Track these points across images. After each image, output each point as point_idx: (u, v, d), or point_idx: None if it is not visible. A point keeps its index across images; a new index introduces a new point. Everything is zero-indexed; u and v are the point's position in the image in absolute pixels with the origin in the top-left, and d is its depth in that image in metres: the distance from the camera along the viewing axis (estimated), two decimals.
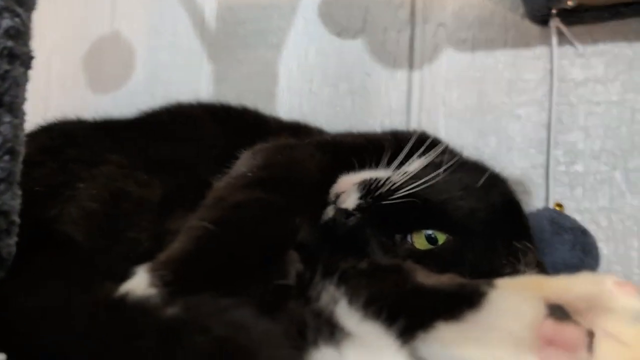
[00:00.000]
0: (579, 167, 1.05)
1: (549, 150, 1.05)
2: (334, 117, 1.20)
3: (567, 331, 0.40)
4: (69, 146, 0.65)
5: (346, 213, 0.62)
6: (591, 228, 1.01)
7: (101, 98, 1.32)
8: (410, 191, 0.61)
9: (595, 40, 1.05)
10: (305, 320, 0.43)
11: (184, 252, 0.47)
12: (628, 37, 1.02)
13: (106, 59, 1.36)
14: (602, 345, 0.40)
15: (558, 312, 0.42)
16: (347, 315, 0.45)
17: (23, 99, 0.50)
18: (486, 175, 0.68)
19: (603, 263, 1.01)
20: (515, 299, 0.43)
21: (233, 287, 0.41)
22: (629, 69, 1.03)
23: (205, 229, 0.48)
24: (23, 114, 0.50)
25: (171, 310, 0.39)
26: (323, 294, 0.47)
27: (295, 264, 0.49)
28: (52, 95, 1.32)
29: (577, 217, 1.00)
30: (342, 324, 0.44)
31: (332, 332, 0.42)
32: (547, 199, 1.05)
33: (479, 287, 0.45)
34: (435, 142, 0.75)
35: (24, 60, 0.50)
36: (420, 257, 0.58)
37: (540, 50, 1.09)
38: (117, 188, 0.58)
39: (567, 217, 0.98)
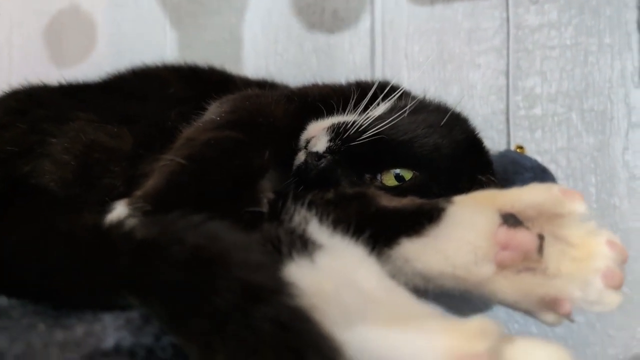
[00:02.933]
0: (537, 111, 1.09)
1: (509, 96, 1.09)
2: (300, 76, 1.22)
3: (519, 236, 0.44)
4: (36, 107, 0.66)
5: (317, 156, 0.64)
6: (551, 167, 1.06)
7: (65, 72, 1.30)
8: (377, 131, 0.64)
9: None
10: (280, 236, 0.46)
11: (160, 185, 0.49)
12: None
13: (67, 32, 1.35)
14: (551, 246, 0.45)
15: (511, 220, 0.45)
16: (318, 231, 0.48)
17: None
18: (448, 114, 0.71)
19: None
20: (471, 211, 0.46)
21: (208, 214, 0.43)
22: (581, 13, 1.07)
23: (178, 164, 0.50)
24: None
25: (147, 231, 0.41)
26: (295, 215, 0.50)
27: (266, 193, 0.51)
28: (15, 71, 1.30)
29: (538, 158, 1.05)
30: (314, 238, 0.47)
31: (304, 245, 0.46)
32: (508, 142, 1.10)
33: (438, 204, 0.48)
34: (395, 87, 0.78)
35: None
36: (390, 192, 0.61)
37: (496, 0, 1.12)
38: (89, 140, 0.60)
39: (528, 158, 1.02)
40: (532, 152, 1.09)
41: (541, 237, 0.45)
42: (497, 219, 0.45)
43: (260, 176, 0.53)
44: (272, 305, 0.36)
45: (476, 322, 0.37)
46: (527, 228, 0.45)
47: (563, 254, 0.44)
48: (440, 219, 0.47)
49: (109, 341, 0.38)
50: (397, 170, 0.64)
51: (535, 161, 1.03)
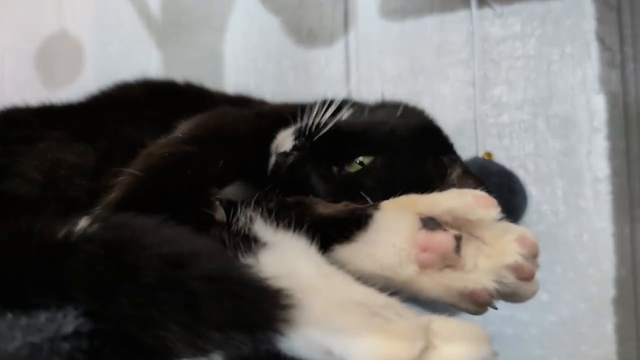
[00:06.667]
0: (505, 119, 1.14)
1: (476, 106, 1.14)
2: (279, 92, 1.27)
3: (437, 238, 0.48)
4: (11, 129, 0.71)
5: (285, 155, 0.68)
6: (520, 172, 1.10)
7: (55, 94, 1.36)
8: (335, 124, 0.69)
9: (510, 0, 1.13)
10: (224, 240, 0.51)
11: (118, 196, 0.55)
12: None
13: (57, 56, 1.41)
14: (468, 244, 0.49)
15: (430, 223, 0.50)
16: (262, 229, 0.54)
17: None
18: (402, 106, 0.76)
19: (533, 203, 1.11)
20: (394, 216, 0.51)
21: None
22: (543, 25, 1.11)
23: (135, 176, 0.56)
24: None
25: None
26: (240, 216, 0.55)
27: (217, 195, 0.57)
28: (6, 94, 1.37)
29: (507, 164, 1.10)
30: (259, 237, 0.52)
31: (248, 245, 0.50)
32: (477, 150, 1.14)
33: (366, 210, 0.53)
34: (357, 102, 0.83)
35: None
36: (357, 179, 0.65)
37: (463, 14, 1.17)
38: (55, 158, 0.65)
39: (494, 163, 1.07)
40: (502, 158, 1.13)
41: (458, 238, 0.49)
42: (417, 223, 0.50)
43: (213, 183, 0.58)
44: (195, 266, 0.40)
45: (405, 324, 0.41)
46: (445, 230, 0.49)
47: (479, 251, 0.49)
48: (367, 225, 0.51)
49: (69, 327, 0.43)
50: (360, 159, 0.67)
51: (502, 166, 1.07)
